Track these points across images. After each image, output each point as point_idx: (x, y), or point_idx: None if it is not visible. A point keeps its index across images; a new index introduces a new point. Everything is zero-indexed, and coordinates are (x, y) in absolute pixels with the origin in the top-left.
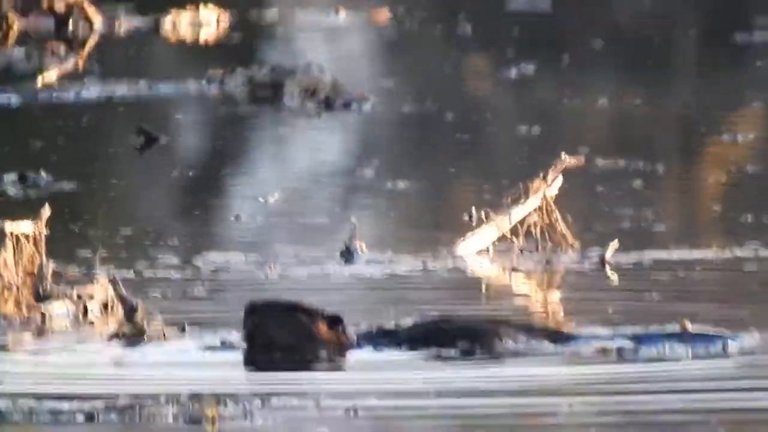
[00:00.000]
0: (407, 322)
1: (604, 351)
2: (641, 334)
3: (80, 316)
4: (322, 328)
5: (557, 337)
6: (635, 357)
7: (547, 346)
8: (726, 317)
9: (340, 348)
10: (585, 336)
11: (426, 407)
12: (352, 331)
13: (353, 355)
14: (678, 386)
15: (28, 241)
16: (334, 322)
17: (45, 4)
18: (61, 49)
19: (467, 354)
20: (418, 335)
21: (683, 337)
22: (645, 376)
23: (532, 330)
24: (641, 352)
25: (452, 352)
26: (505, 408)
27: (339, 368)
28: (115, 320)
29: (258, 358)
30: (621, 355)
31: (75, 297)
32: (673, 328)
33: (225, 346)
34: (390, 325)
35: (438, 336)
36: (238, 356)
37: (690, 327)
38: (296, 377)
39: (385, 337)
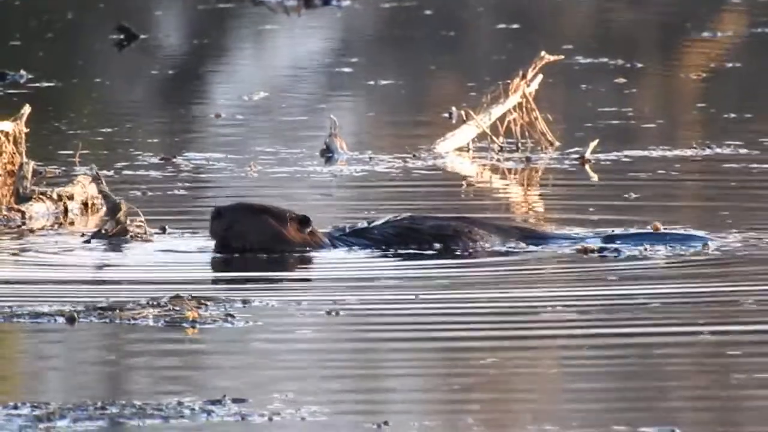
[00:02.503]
0: (380, 222)
1: (585, 251)
2: (615, 234)
3: (60, 216)
4: (292, 230)
5: (532, 237)
6: (617, 257)
7: (521, 246)
8: (705, 216)
9: (312, 248)
10: (559, 236)
11: (405, 306)
12: (320, 232)
13: (328, 255)
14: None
15: (9, 141)
16: (303, 223)
17: None
18: None
19: (440, 254)
20: (390, 235)
21: (658, 237)
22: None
23: (506, 230)
24: (622, 252)
25: (425, 252)
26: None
27: (310, 274)
28: (95, 219)
29: (233, 261)
30: (602, 256)
31: (55, 197)
32: (647, 228)
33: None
34: (362, 224)
35: (411, 236)
36: (217, 258)
37: (662, 228)
38: (275, 279)
39: (358, 236)
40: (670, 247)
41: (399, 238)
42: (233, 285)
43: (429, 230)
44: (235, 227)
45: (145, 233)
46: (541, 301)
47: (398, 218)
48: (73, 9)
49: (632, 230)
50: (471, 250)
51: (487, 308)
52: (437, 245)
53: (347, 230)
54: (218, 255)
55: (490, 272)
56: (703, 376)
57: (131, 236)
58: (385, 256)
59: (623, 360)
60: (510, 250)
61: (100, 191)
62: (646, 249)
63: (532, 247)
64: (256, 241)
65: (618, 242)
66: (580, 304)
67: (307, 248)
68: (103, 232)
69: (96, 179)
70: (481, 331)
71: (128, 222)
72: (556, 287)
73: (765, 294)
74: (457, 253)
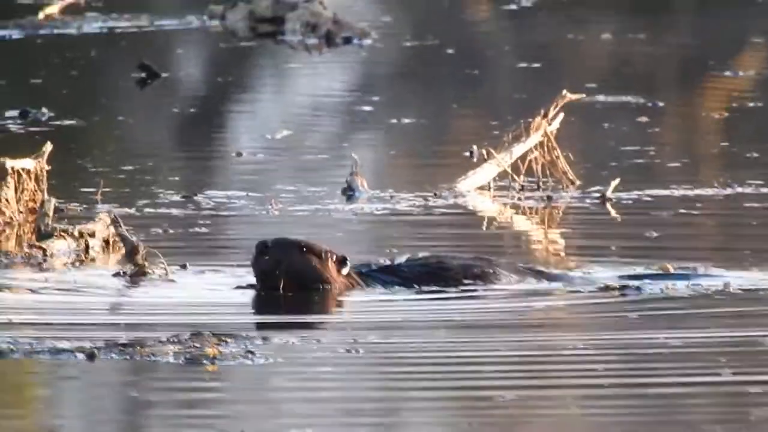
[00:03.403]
0: (402, 260)
1: (606, 288)
2: (636, 274)
3: (82, 254)
4: (333, 270)
5: (553, 276)
6: (638, 296)
7: (543, 285)
8: (727, 255)
9: (349, 289)
10: (579, 276)
11: (426, 345)
12: (355, 272)
13: (357, 293)
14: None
15: (30, 178)
16: (341, 263)
17: None
18: None
19: (462, 292)
20: (412, 273)
21: (680, 276)
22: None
23: (528, 269)
24: (644, 290)
25: (447, 290)
26: (507, 343)
27: (339, 306)
28: (116, 257)
29: (256, 299)
30: (624, 295)
31: (76, 234)
32: (656, 270)
33: (230, 286)
34: (385, 262)
35: (440, 275)
36: (238, 295)
37: (671, 269)
38: (297, 316)
39: (387, 274)
40: (692, 286)
41: (428, 276)
42: (254, 322)
43: (458, 269)
44: (281, 263)
45: (166, 274)
46: (565, 345)
47: (420, 257)
48: (95, 47)
49: (652, 271)
50: (495, 291)
51: (510, 352)
52: (466, 283)
53: (373, 267)
54: (240, 291)
55: (513, 314)
56: (726, 421)
57: (149, 276)
58: (413, 294)
59: (645, 406)
60: (532, 290)
61: (118, 234)
62: (667, 288)
63: (553, 286)
64: (298, 278)
65: (639, 281)
66: (602, 349)
67: (344, 289)
68: (122, 274)
69: (114, 222)
70: (503, 374)
71: (147, 264)
72: (580, 331)
73: None
74: (481, 293)
